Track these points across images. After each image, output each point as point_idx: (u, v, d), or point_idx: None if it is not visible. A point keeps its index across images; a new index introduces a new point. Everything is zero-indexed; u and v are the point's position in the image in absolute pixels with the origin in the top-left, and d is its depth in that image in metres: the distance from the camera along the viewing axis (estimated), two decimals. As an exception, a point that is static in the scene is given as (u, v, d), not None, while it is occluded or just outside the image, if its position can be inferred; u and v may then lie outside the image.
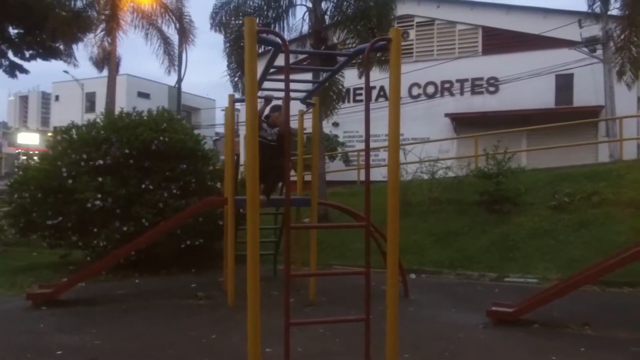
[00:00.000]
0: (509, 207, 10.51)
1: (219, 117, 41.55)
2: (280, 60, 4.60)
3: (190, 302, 6.96)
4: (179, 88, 16.92)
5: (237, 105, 7.87)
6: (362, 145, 21.57)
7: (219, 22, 12.01)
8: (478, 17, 21.87)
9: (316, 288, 7.10)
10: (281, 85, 6.06)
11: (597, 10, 8.80)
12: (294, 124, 8.32)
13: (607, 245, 8.83)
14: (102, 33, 17.46)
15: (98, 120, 9.82)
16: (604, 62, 17.33)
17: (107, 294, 7.42)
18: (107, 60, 17.85)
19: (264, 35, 3.88)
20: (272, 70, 5.14)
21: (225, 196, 7.56)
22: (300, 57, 17.70)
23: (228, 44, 11.84)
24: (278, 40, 3.92)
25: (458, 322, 5.95)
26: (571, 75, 19.80)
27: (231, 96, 7.23)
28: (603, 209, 9.76)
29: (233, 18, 11.88)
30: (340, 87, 12.35)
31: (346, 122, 21.44)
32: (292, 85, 4.02)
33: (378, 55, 11.68)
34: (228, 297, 6.84)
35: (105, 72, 18.65)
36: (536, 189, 11.03)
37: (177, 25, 16.14)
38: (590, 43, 17.71)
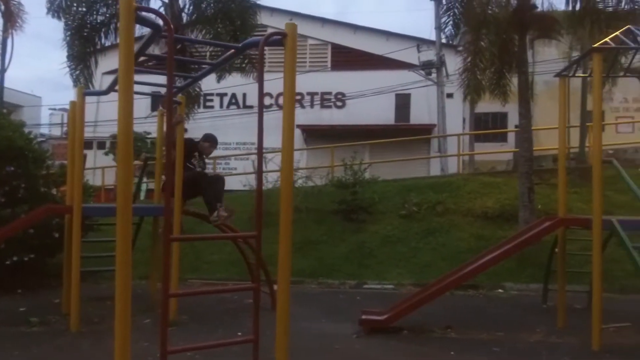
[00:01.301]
0: (364, 215, 10.88)
1: (45, 117, 37.00)
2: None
3: (22, 330, 5.86)
4: (2, 79, 14.56)
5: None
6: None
7: (57, 7, 10.57)
8: (328, 34, 22.72)
9: (176, 306, 6.45)
10: (142, 78, 5.49)
11: (448, 32, 9.66)
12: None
13: (452, 250, 9.59)
14: None
15: None
16: (438, 84, 19.19)
17: None
18: None
19: (143, 13, 3.31)
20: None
21: (68, 204, 6.55)
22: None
23: (69, 33, 10.48)
24: (160, 21, 3.39)
25: (331, 332, 5.85)
26: (409, 95, 21.59)
27: (80, 88, 6.33)
28: (446, 218, 10.59)
29: (75, 4, 10.57)
30: (198, 89, 11.73)
31: (196, 129, 20.56)
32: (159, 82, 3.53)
33: (237, 61, 11.34)
34: (71, 322, 5.87)
35: None
36: (387, 199, 11.59)
37: (3, 7, 13.90)
38: (426, 67, 19.50)
